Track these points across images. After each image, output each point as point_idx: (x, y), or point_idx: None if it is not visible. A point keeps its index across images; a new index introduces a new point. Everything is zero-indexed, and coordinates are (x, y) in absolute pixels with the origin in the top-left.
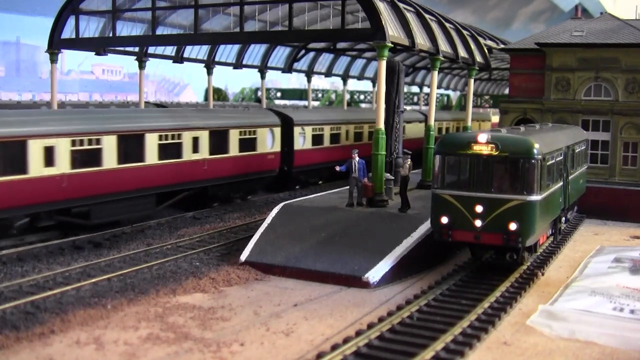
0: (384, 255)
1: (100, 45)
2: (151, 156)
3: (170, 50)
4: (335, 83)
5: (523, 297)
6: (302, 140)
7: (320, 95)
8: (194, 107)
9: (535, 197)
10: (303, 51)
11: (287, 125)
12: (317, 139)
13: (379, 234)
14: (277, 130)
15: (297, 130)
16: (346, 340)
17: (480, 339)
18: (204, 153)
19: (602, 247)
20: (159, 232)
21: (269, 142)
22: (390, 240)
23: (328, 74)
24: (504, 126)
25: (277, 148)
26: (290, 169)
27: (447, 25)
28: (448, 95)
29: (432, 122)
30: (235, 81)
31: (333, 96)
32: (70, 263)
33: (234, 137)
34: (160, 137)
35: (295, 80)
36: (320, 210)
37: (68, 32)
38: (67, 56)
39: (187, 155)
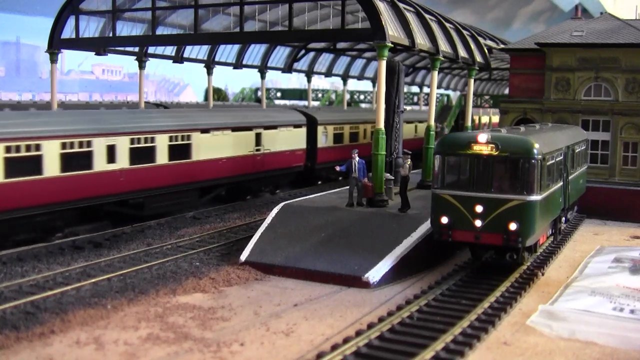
0: (384, 255)
1: (100, 45)
2: None
3: (170, 50)
4: (335, 83)
5: (523, 297)
6: None
7: (320, 95)
8: None
9: (535, 197)
10: (303, 51)
11: None
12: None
13: (379, 234)
14: None
15: None
16: (346, 340)
17: (480, 339)
18: None
19: (602, 247)
20: (159, 232)
21: None
22: (390, 240)
23: (328, 74)
24: (504, 126)
25: None
26: None
27: (447, 25)
28: (448, 95)
29: (432, 121)
30: (235, 81)
31: (333, 96)
32: (70, 263)
33: None
34: None
35: (296, 80)
36: (320, 210)
37: (68, 32)
38: (67, 56)
39: None
